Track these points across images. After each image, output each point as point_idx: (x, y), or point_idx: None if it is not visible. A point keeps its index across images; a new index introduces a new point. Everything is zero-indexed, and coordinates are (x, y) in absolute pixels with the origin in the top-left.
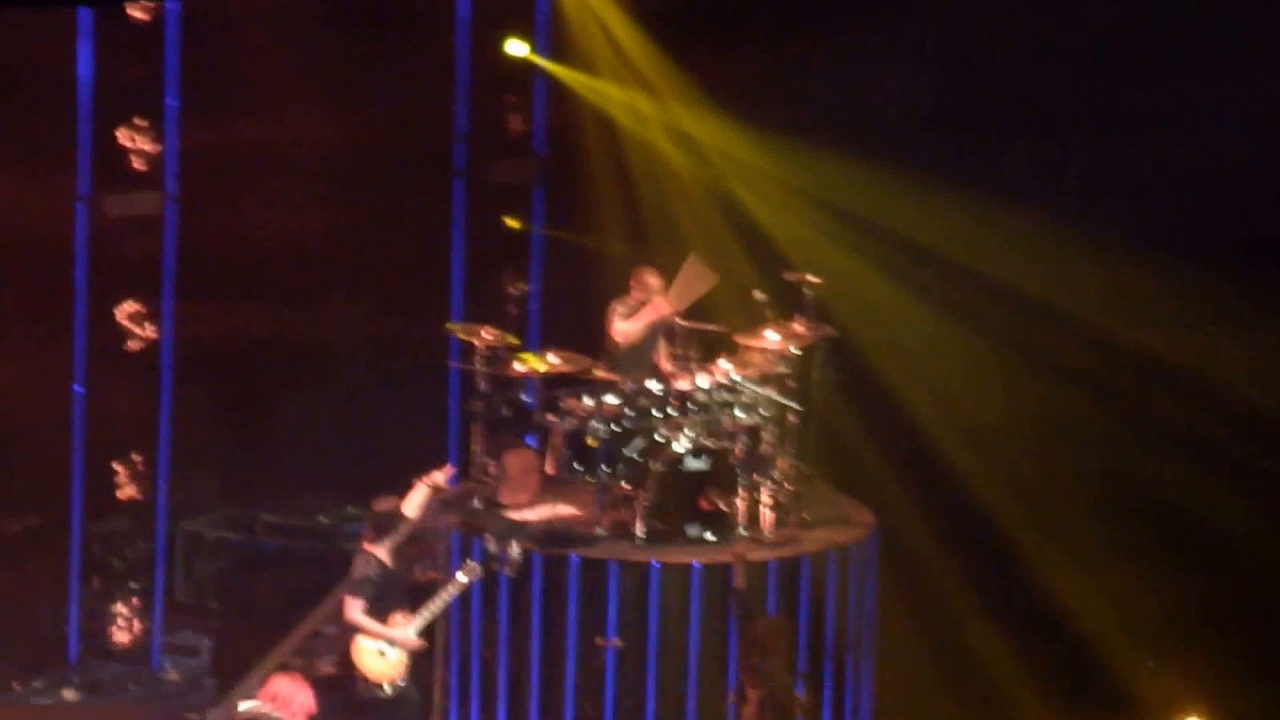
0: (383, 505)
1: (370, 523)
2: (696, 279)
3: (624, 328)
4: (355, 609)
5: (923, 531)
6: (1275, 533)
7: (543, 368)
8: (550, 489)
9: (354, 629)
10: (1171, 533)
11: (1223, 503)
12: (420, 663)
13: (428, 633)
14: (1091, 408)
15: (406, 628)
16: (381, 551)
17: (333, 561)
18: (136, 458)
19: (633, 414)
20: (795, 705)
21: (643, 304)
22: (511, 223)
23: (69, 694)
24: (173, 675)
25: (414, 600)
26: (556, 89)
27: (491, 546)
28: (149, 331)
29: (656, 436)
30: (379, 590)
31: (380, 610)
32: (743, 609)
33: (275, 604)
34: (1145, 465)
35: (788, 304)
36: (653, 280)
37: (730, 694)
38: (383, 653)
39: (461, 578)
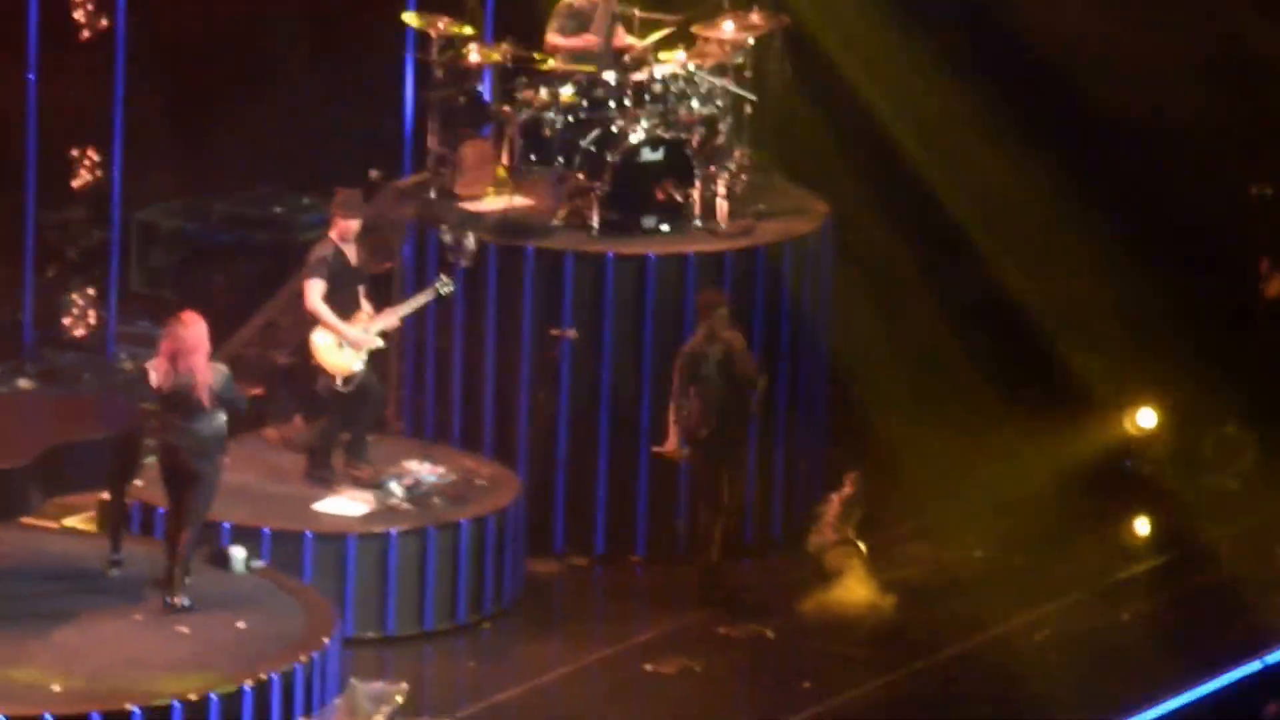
0: (351, 196)
1: (336, 210)
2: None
3: (554, 41)
4: (315, 292)
5: (877, 223)
6: (1231, 226)
7: (498, 58)
8: (504, 179)
9: (313, 319)
10: (1128, 227)
11: (1183, 196)
12: (377, 355)
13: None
14: (1049, 103)
15: (367, 327)
16: (341, 240)
17: (288, 252)
18: (90, 148)
19: (589, 105)
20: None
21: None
22: None
23: (24, 382)
24: (128, 364)
25: (375, 294)
26: None
27: (447, 237)
28: (102, 22)
29: (612, 128)
30: (336, 277)
31: (339, 301)
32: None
33: (230, 294)
34: (1103, 159)
35: None
36: None
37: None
38: (340, 345)
39: (433, 290)
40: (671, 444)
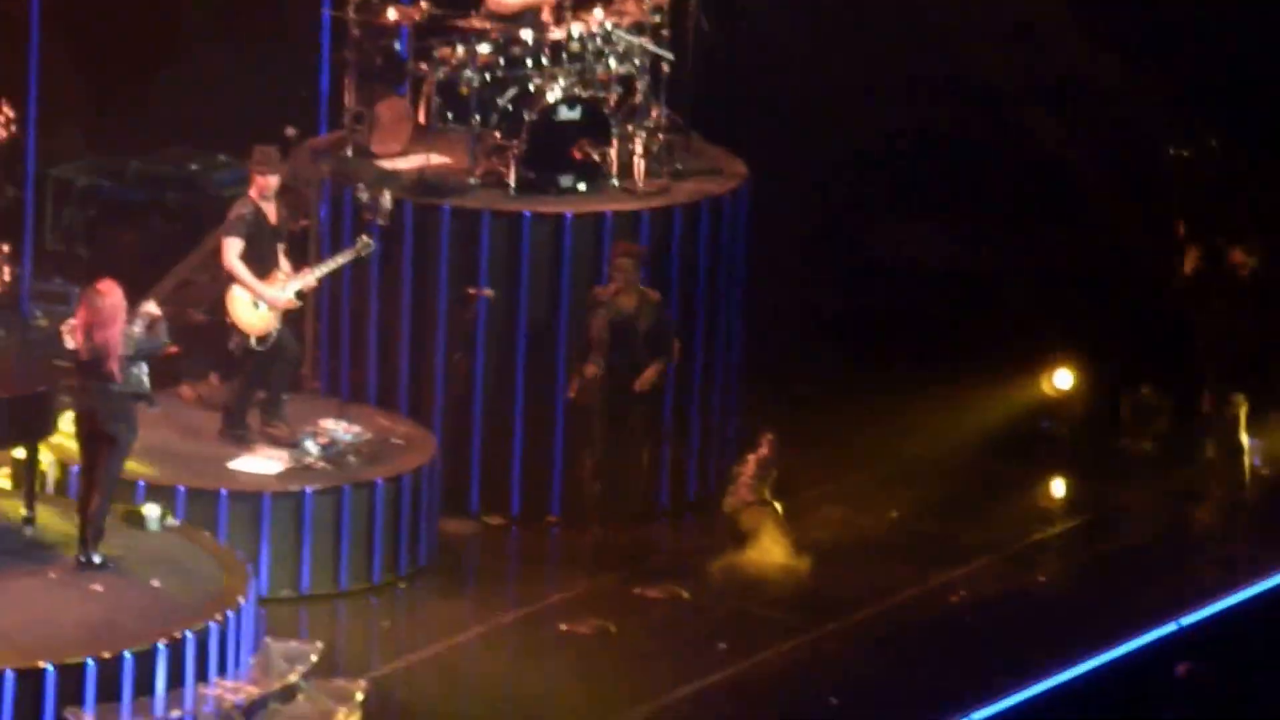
0: (268, 154)
1: (254, 169)
2: None
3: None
4: (232, 251)
5: (795, 184)
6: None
7: (418, 16)
8: (422, 138)
9: (230, 277)
10: (1045, 188)
11: (1094, 156)
12: (293, 313)
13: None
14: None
15: (284, 285)
16: (260, 197)
17: (203, 211)
18: (3, 103)
19: (506, 63)
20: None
21: None
22: None
23: None
24: (42, 322)
25: (293, 252)
26: None
27: (363, 195)
28: None
29: (529, 86)
30: (254, 236)
31: (256, 260)
32: None
33: (144, 252)
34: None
35: None
36: None
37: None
38: (256, 304)
39: (353, 251)
40: (573, 389)
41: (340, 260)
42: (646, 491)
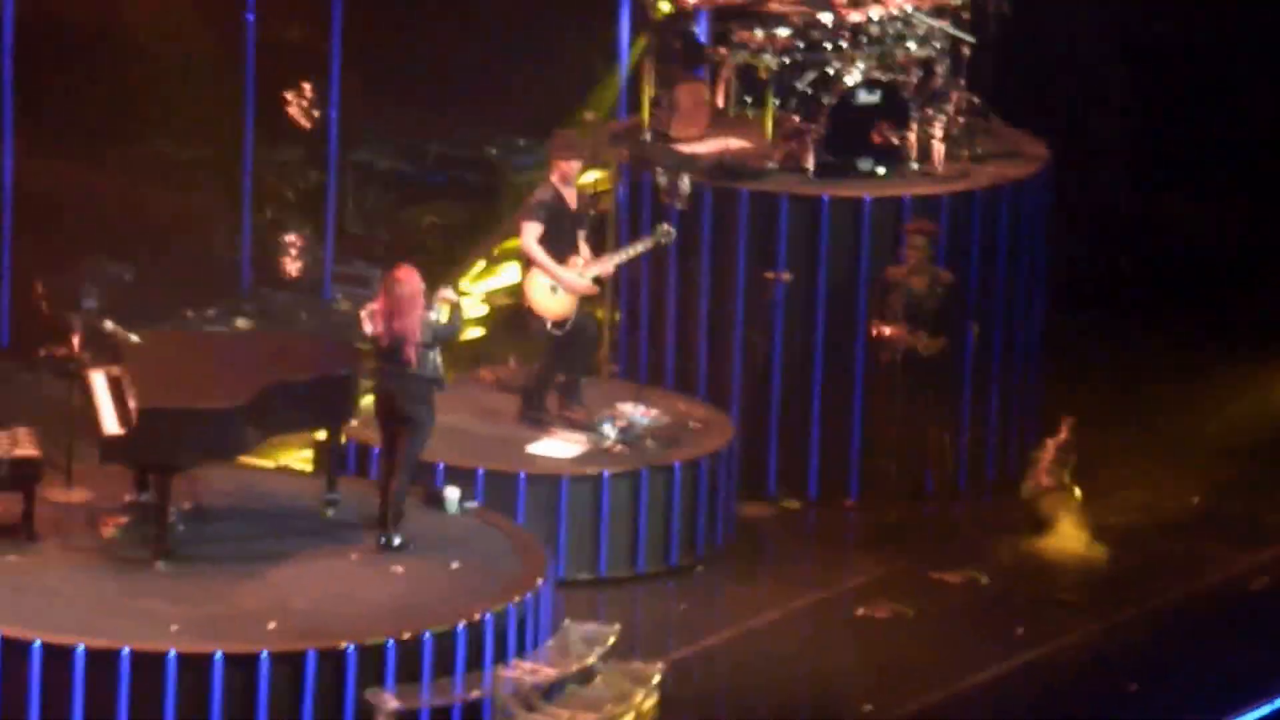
0: (568, 139)
1: (552, 153)
2: None
3: None
4: (530, 234)
5: (1099, 166)
6: None
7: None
8: (721, 122)
9: (529, 261)
10: None
11: None
12: (592, 298)
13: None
14: None
15: (583, 270)
16: (562, 182)
17: (502, 194)
18: (307, 86)
19: (805, 46)
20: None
21: None
22: None
23: (241, 322)
24: (344, 305)
25: (593, 238)
26: None
27: (662, 180)
28: None
29: (828, 69)
30: (554, 220)
31: (556, 245)
32: None
33: (443, 235)
34: None
35: None
36: None
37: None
38: (554, 289)
39: (652, 239)
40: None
41: (640, 247)
42: (944, 473)
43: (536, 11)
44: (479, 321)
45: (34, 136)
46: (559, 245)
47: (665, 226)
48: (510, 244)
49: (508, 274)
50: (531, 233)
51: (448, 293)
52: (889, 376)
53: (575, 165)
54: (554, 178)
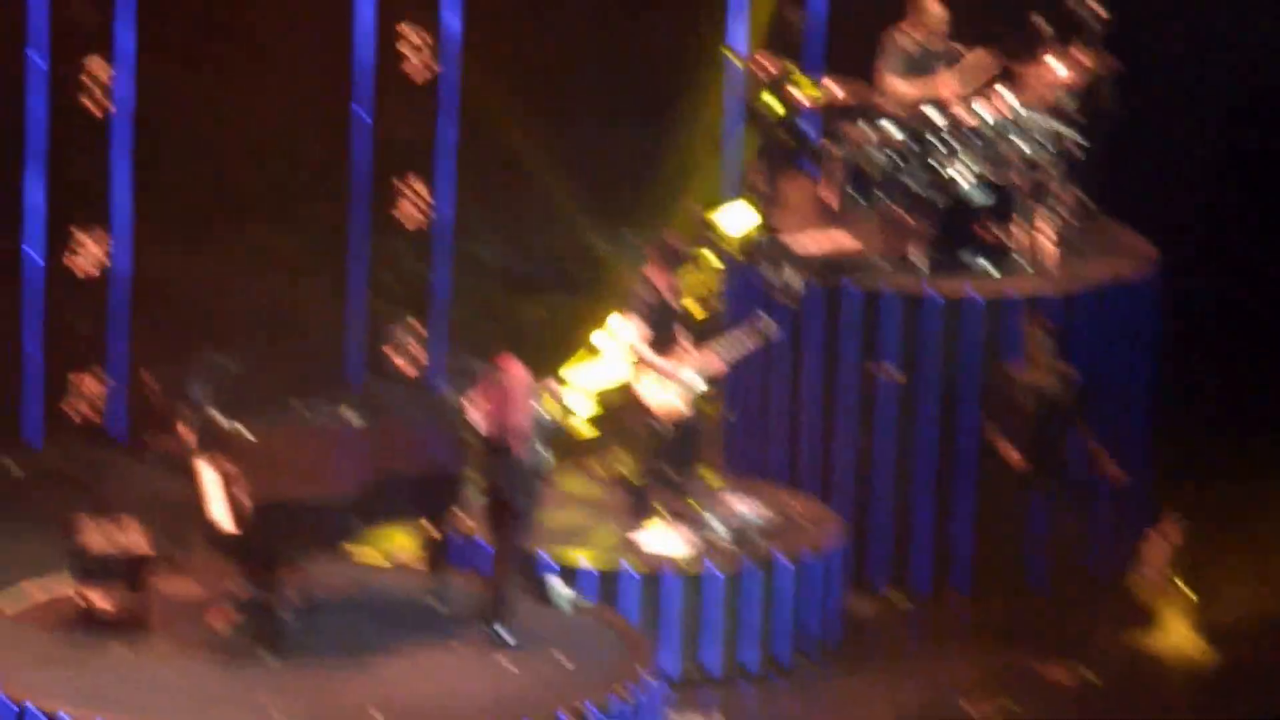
0: (672, 235)
1: (657, 249)
2: (975, 67)
3: (896, 87)
4: (636, 333)
5: (1212, 272)
6: None
7: (820, 95)
8: (829, 218)
9: (636, 358)
10: None
11: None
12: (700, 393)
13: None
14: None
15: (690, 366)
16: (662, 282)
17: (601, 289)
18: (419, 183)
19: (913, 143)
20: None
21: (919, 42)
22: None
23: (348, 413)
24: (451, 397)
25: (698, 338)
26: None
27: (769, 275)
28: (429, 58)
29: (938, 167)
30: (657, 316)
31: (660, 339)
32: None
33: (551, 328)
34: None
35: (1064, 29)
36: (934, 8)
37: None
38: (664, 386)
39: (756, 333)
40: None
41: (745, 342)
42: (1052, 567)
43: (640, 104)
44: (588, 418)
45: (151, 230)
46: (664, 341)
47: (769, 321)
48: (606, 336)
49: (616, 369)
50: (636, 331)
51: (555, 386)
52: (1000, 473)
53: (678, 278)
54: (655, 277)
